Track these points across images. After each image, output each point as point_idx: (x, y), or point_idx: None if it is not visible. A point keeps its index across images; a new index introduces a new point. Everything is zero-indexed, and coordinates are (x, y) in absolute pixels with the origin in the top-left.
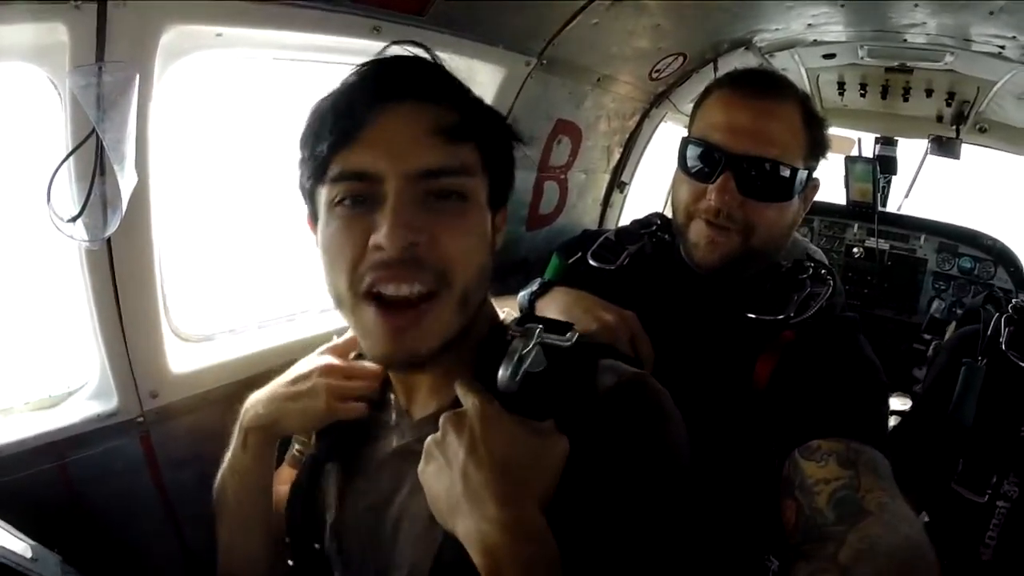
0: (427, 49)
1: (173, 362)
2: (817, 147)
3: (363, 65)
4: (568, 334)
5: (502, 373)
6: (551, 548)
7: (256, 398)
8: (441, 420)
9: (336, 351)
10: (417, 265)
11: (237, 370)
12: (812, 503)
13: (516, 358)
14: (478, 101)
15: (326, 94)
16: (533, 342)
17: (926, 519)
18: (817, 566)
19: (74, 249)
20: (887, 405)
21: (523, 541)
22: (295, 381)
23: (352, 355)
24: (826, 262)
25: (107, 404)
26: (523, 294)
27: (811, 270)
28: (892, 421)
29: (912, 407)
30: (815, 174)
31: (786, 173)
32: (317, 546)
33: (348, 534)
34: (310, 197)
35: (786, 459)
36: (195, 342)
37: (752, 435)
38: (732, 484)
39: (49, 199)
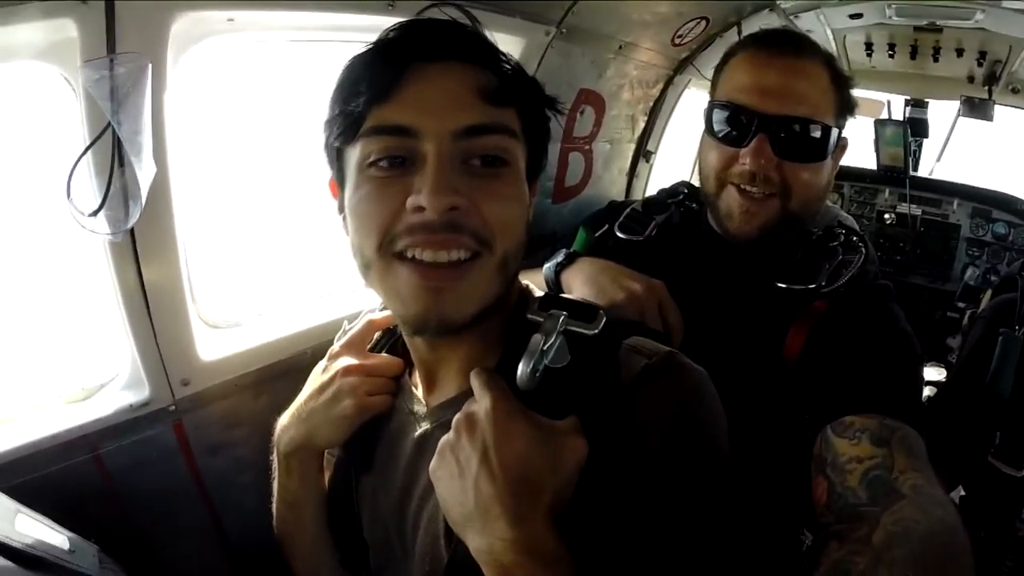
0: (467, 13)
1: (203, 349)
2: (846, 105)
3: (402, 23)
4: (594, 321)
5: (521, 370)
6: (566, 566)
7: (284, 423)
8: (455, 420)
9: (352, 348)
10: (457, 231)
11: (267, 354)
12: (844, 481)
13: (538, 353)
14: (519, 67)
15: (361, 50)
16: (555, 334)
17: (962, 493)
18: (850, 548)
19: (99, 243)
20: (921, 378)
21: (536, 562)
22: (320, 391)
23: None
24: (857, 229)
25: (139, 394)
26: (548, 266)
27: (842, 237)
28: (926, 391)
29: (948, 378)
30: (843, 134)
31: (819, 133)
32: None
33: (375, 529)
34: (337, 157)
35: (818, 435)
36: (224, 328)
37: (783, 409)
38: (763, 460)
39: (69, 195)
